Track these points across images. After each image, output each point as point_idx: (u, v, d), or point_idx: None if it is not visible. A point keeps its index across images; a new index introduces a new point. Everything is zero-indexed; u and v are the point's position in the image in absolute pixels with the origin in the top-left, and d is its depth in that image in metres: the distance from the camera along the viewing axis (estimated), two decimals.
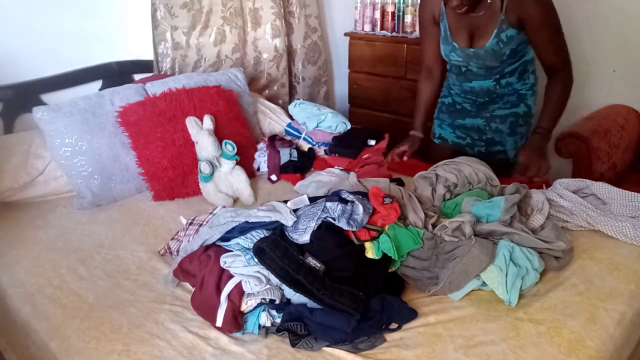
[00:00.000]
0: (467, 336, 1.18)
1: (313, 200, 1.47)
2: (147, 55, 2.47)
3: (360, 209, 1.39)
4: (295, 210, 1.41)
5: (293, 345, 1.17)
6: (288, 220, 1.35)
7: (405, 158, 2.00)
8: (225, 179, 1.91)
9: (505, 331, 1.19)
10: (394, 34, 2.87)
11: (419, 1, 2.71)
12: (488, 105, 1.94)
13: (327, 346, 1.17)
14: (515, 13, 1.68)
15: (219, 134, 1.96)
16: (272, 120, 2.49)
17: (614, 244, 1.48)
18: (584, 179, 1.68)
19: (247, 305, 1.23)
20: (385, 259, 1.33)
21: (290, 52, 2.98)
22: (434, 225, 1.50)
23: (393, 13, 2.87)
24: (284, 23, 2.85)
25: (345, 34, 3.05)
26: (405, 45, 2.78)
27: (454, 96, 2.03)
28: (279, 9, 2.78)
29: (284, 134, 2.43)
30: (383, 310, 1.23)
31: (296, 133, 2.37)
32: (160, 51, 2.44)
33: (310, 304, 1.22)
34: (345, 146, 2.20)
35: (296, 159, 2.10)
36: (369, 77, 3.00)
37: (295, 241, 1.31)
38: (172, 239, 1.59)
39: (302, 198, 1.47)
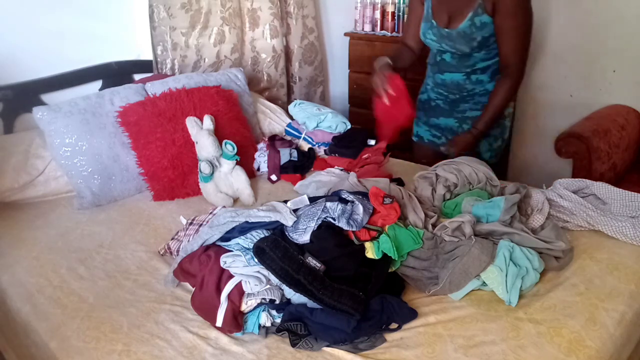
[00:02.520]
0: (467, 336, 1.18)
1: (313, 200, 1.47)
2: (147, 55, 2.48)
3: (360, 209, 1.39)
4: (295, 210, 1.41)
5: (293, 345, 1.17)
6: (288, 220, 1.35)
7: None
8: (225, 179, 1.91)
9: (505, 331, 1.19)
10: (394, 34, 2.88)
11: None
12: (459, 104, 1.94)
13: (327, 346, 1.17)
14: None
15: (219, 134, 1.96)
16: (272, 120, 2.49)
17: (614, 244, 1.48)
18: (584, 179, 1.68)
19: (247, 305, 1.23)
20: (386, 259, 1.33)
21: (287, 53, 2.99)
22: (434, 225, 1.51)
23: (393, 13, 2.87)
24: (282, 24, 2.85)
25: (345, 34, 3.05)
26: None
27: (429, 92, 2.04)
28: (277, 9, 2.78)
29: (284, 134, 2.43)
30: (383, 310, 1.23)
31: (296, 133, 2.37)
32: (159, 52, 2.44)
33: (310, 304, 1.22)
34: (345, 146, 2.20)
35: (296, 159, 2.10)
36: (369, 77, 2.98)
37: (295, 241, 1.31)
38: (172, 239, 1.59)
39: (302, 198, 1.47)
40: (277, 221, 1.36)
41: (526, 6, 1.73)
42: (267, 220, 1.36)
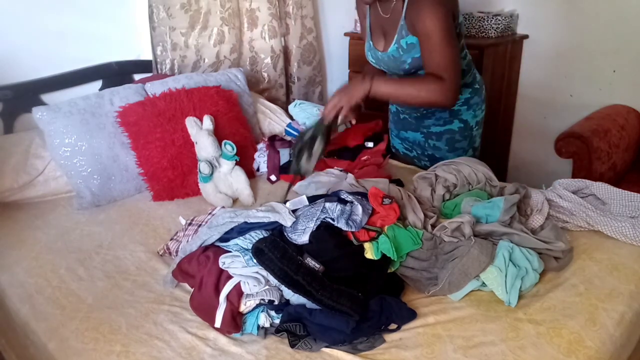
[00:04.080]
0: (466, 337, 1.18)
1: (312, 199, 1.47)
2: (147, 55, 2.48)
3: (359, 209, 1.39)
4: (294, 211, 1.41)
5: (292, 346, 1.16)
6: (287, 220, 1.35)
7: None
8: (224, 179, 1.91)
9: (505, 332, 1.19)
10: None
11: None
12: (424, 120, 1.91)
13: (326, 347, 1.17)
14: (411, 19, 1.60)
15: (219, 134, 1.96)
16: (272, 120, 2.49)
17: (614, 244, 1.47)
18: (583, 179, 1.68)
19: (246, 306, 1.23)
20: (385, 260, 1.32)
21: (286, 53, 2.99)
22: (433, 226, 1.50)
23: None
24: (281, 24, 2.85)
25: (346, 34, 3.05)
26: None
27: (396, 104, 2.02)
28: (276, 9, 2.78)
29: (284, 134, 2.43)
30: (382, 310, 1.22)
31: (296, 133, 2.36)
32: (158, 52, 2.44)
33: (309, 304, 1.22)
34: (343, 149, 2.19)
35: None
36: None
37: (294, 242, 1.31)
38: (171, 240, 1.59)
39: (301, 198, 1.47)
40: (276, 222, 1.36)
41: (443, 23, 1.55)
42: (266, 220, 1.36)
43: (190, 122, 1.92)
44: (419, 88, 1.60)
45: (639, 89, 2.47)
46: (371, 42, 1.80)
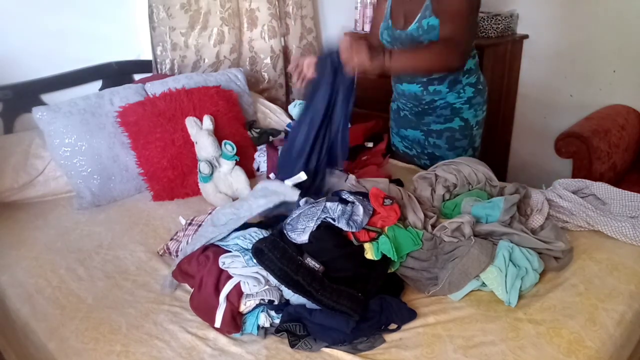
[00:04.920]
0: (466, 337, 1.18)
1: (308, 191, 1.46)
2: (147, 55, 2.48)
3: (360, 209, 1.39)
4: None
5: (292, 346, 1.16)
6: (293, 195, 1.34)
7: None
8: (224, 179, 1.91)
9: (505, 332, 1.19)
10: None
11: None
12: (423, 116, 1.91)
13: (326, 347, 1.17)
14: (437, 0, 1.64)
15: (219, 134, 1.96)
16: (272, 120, 2.50)
17: (614, 244, 1.47)
18: (583, 179, 1.67)
19: (245, 306, 1.23)
20: (385, 260, 1.32)
21: (286, 53, 2.99)
22: (433, 226, 1.50)
23: None
24: (280, 24, 2.85)
25: (346, 34, 3.05)
26: None
27: (397, 101, 2.02)
28: (275, 9, 2.78)
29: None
30: (382, 310, 1.23)
31: None
32: (158, 52, 2.44)
33: (309, 304, 1.22)
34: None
35: None
36: (368, 77, 3.00)
37: (294, 241, 1.31)
38: (171, 240, 1.59)
39: (300, 175, 1.46)
40: (283, 202, 1.35)
41: (469, 3, 1.61)
42: (271, 206, 1.35)
43: (190, 122, 1.92)
44: (432, 50, 1.63)
45: (639, 89, 2.47)
46: (390, 21, 1.81)
